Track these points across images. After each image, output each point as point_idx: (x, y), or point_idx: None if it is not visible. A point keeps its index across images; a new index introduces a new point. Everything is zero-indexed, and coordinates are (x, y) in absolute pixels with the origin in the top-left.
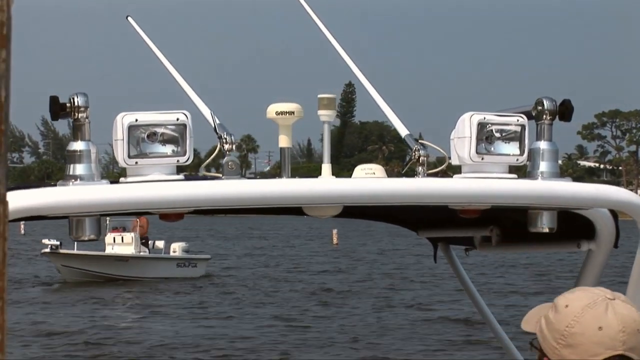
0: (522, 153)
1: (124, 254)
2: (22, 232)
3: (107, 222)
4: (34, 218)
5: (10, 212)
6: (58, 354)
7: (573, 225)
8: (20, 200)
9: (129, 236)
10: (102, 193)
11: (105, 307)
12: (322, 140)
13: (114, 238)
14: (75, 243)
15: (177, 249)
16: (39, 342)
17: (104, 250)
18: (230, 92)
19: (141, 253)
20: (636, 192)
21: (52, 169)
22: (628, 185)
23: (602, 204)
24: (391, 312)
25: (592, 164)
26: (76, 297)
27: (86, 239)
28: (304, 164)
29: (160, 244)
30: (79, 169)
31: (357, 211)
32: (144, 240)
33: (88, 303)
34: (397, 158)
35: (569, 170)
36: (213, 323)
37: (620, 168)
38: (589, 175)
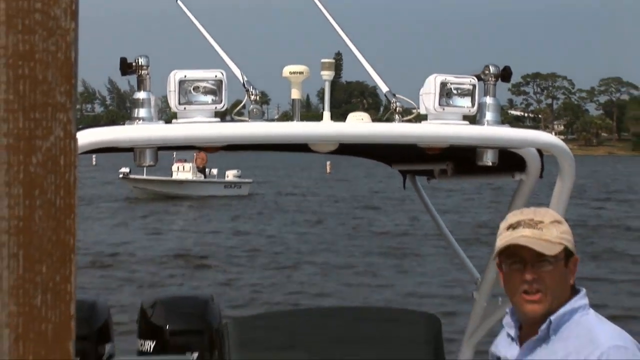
0: (473, 106)
1: (182, 178)
2: (94, 163)
3: (174, 155)
4: (108, 150)
5: (91, 144)
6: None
7: (509, 160)
8: (98, 135)
9: (188, 166)
10: (159, 131)
11: (169, 213)
12: (319, 95)
13: (178, 167)
14: (145, 169)
15: (229, 174)
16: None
17: (171, 176)
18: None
19: (196, 178)
20: (552, 134)
21: (116, 117)
22: (545, 129)
23: (532, 144)
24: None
25: (518, 113)
26: (146, 207)
27: (146, 164)
28: (304, 113)
29: (214, 171)
30: (141, 112)
31: (347, 148)
32: (201, 169)
33: (154, 213)
34: (373, 109)
35: (502, 118)
36: (247, 228)
37: (539, 116)
38: (516, 122)
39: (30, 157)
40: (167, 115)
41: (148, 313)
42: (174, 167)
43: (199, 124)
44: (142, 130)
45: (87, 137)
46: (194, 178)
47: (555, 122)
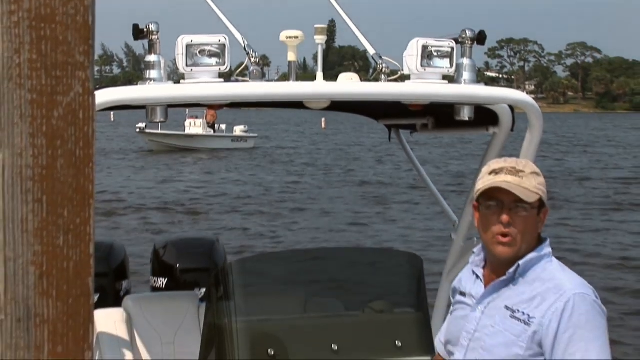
0: (451, 66)
1: (193, 133)
2: (112, 119)
3: (187, 111)
4: (123, 107)
5: (108, 102)
6: (145, 198)
7: (484, 115)
8: (114, 94)
9: (199, 122)
10: (168, 90)
11: (180, 164)
12: (314, 58)
13: (190, 123)
14: (160, 124)
15: (237, 130)
16: (135, 192)
17: (183, 131)
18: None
19: (206, 133)
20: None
21: (132, 77)
22: (518, 88)
23: (504, 101)
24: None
25: (494, 75)
26: (159, 159)
27: (157, 120)
28: (301, 74)
29: (223, 127)
30: (152, 74)
31: (338, 105)
32: (211, 125)
33: (168, 164)
34: (364, 71)
35: (478, 78)
36: (251, 177)
37: (512, 77)
38: (491, 82)
39: (52, 112)
40: (176, 76)
41: (160, 253)
42: (187, 123)
43: (204, 84)
44: (153, 90)
45: (104, 95)
46: (204, 133)
47: (526, 83)
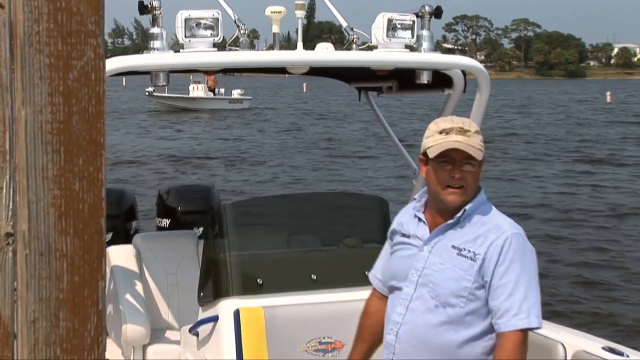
0: (413, 37)
1: (195, 95)
2: (124, 84)
3: (191, 77)
4: (131, 73)
5: (117, 68)
6: (152, 151)
7: (440, 79)
8: (123, 61)
9: (201, 86)
10: (169, 58)
11: (183, 122)
12: (296, 31)
13: (193, 87)
14: (166, 88)
15: (235, 93)
16: (143, 146)
17: (187, 94)
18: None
19: (207, 95)
20: None
21: (140, 48)
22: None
23: (457, 66)
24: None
25: (450, 46)
26: (165, 118)
27: (160, 84)
28: (285, 45)
29: (222, 90)
30: (155, 44)
31: (316, 71)
32: (212, 89)
33: (173, 120)
34: (340, 43)
35: (436, 48)
36: (245, 134)
37: (466, 49)
38: (448, 52)
39: (68, 74)
40: (177, 47)
41: (164, 198)
42: (190, 87)
43: (200, 53)
44: (156, 58)
45: (114, 63)
46: (205, 95)
47: (477, 53)
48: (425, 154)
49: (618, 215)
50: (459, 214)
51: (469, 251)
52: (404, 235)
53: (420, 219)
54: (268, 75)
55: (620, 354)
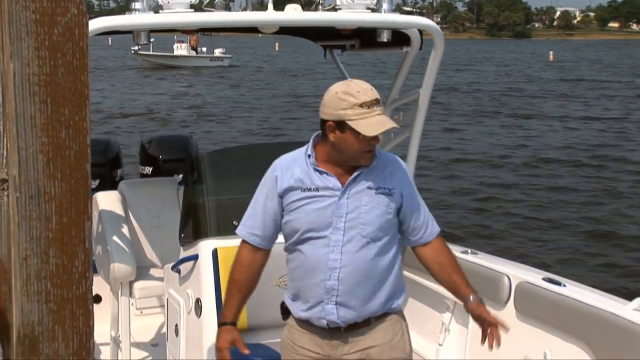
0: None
1: (179, 54)
2: (110, 42)
3: (175, 37)
4: (114, 32)
5: (101, 28)
6: (137, 105)
7: (399, 38)
8: (106, 21)
9: (184, 45)
10: (149, 18)
11: (166, 79)
12: None
13: (177, 46)
14: (151, 46)
15: (217, 52)
16: (129, 100)
17: (172, 52)
18: None
19: (189, 54)
20: None
21: (125, 10)
22: None
23: (414, 26)
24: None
25: (409, 9)
26: (150, 74)
27: (142, 43)
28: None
29: (204, 49)
30: (136, 5)
31: (285, 30)
32: (194, 47)
33: (157, 77)
34: (308, 5)
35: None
36: (224, 88)
37: (424, 11)
38: (406, 14)
39: (53, 29)
40: (157, 8)
41: (146, 147)
42: (174, 46)
43: (178, 13)
44: (136, 18)
45: (98, 23)
46: (188, 54)
47: (434, 15)
48: (343, 123)
49: (547, 160)
50: (372, 163)
51: (385, 188)
52: (309, 189)
53: (323, 172)
54: (245, 36)
55: (558, 283)
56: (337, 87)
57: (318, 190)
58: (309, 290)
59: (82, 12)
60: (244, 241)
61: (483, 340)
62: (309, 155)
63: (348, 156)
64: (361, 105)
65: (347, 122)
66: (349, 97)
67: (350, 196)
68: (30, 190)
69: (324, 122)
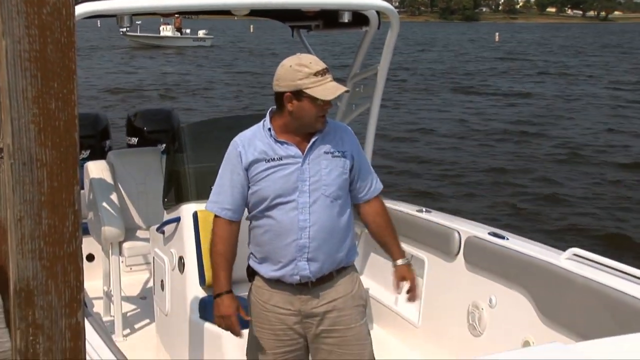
0: None
1: (164, 35)
2: (99, 25)
3: (161, 19)
4: (100, 16)
5: (86, 12)
6: (125, 82)
7: (359, 18)
8: (91, 6)
9: (169, 27)
10: (130, 3)
11: (152, 58)
12: None
13: (162, 27)
14: (139, 27)
15: (200, 33)
16: (119, 77)
17: (158, 33)
18: None
19: (174, 35)
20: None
21: None
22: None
23: (373, 8)
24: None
25: None
26: (138, 53)
27: (125, 25)
28: None
29: (188, 30)
30: None
31: (256, 12)
32: (178, 29)
33: (143, 56)
34: None
35: None
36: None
37: None
38: None
39: (42, 9)
40: None
41: (132, 120)
42: (161, 28)
43: None
44: (120, 2)
45: (85, 7)
46: (173, 35)
47: (392, 0)
48: (300, 92)
49: (477, 137)
50: (320, 130)
51: (339, 151)
52: (272, 159)
53: (284, 142)
54: (223, 18)
55: (502, 237)
56: (290, 61)
57: (281, 159)
58: (280, 251)
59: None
60: (217, 216)
61: (409, 298)
62: (269, 129)
63: (305, 123)
64: (315, 74)
65: (304, 90)
66: (304, 68)
67: (310, 161)
68: (23, 158)
69: (280, 94)
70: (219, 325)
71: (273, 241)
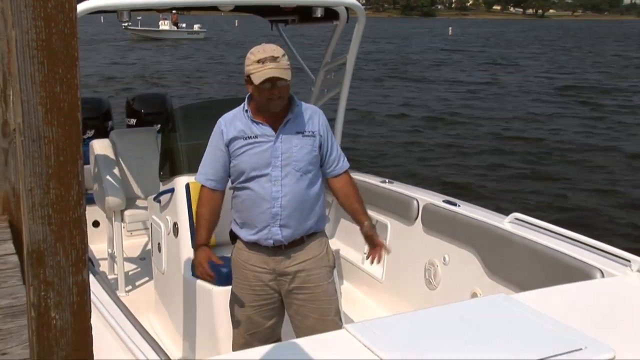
0: None
1: (162, 29)
2: (102, 20)
3: (160, 15)
4: (102, 12)
5: (88, 8)
6: (125, 70)
7: (330, 13)
8: (92, 3)
9: (167, 22)
10: (130, 0)
11: (150, 49)
12: None
13: (161, 22)
14: (139, 22)
15: (195, 27)
16: (118, 66)
17: (157, 27)
18: None
19: (170, 28)
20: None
21: None
22: None
23: (342, 4)
24: None
25: None
26: (138, 45)
27: (124, 20)
28: None
29: (183, 25)
30: None
31: (239, 8)
32: (175, 23)
33: (144, 48)
34: None
35: None
36: (199, 55)
37: None
38: None
39: (47, 3)
40: None
41: (131, 103)
42: (159, 22)
43: None
44: (118, 0)
45: (88, 3)
46: (170, 28)
47: None
48: (249, 78)
49: (431, 118)
50: (292, 112)
51: (308, 131)
52: (249, 137)
53: (259, 123)
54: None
55: (454, 204)
56: (250, 50)
57: (257, 138)
58: (256, 217)
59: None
60: (202, 185)
61: (372, 259)
62: (246, 110)
63: (260, 104)
64: (257, 62)
65: (250, 75)
66: (251, 56)
67: (283, 140)
68: (32, 135)
69: (245, 79)
70: (198, 273)
71: (250, 209)
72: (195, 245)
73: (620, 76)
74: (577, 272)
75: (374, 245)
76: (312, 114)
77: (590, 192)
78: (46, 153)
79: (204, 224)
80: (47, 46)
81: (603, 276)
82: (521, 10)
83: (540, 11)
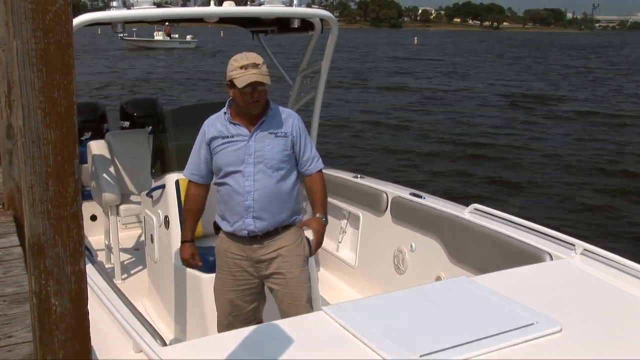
0: (290, 2)
1: (156, 39)
2: (100, 32)
3: (155, 27)
4: (99, 24)
5: (85, 21)
6: (121, 76)
7: (306, 24)
8: (89, 16)
9: (160, 33)
10: (122, 13)
11: (147, 58)
12: None
13: (155, 33)
14: (135, 32)
15: (188, 37)
16: (115, 72)
17: (152, 37)
18: None
19: (164, 39)
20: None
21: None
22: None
23: (317, 16)
24: None
25: (315, 6)
26: (133, 54)
27: (119, 32)
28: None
29: (176, 35)
30: (113, 3)
31: (223, 20)
32: (168, 34)
33: (138, 57)
34: (244, 3)
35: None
36: (189, 64)
37: (326, 8)
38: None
39: (45, 16)
40: (129, 5)
41: (125, 107)
42: (154, 33)
43: (144, 9)
44: (112, 13)
45: (85, 16)
46: (163, 39)
47: (334, 11)
48: (232, 82)
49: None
50: (266, 114)
51: (282, 132)
52: (226, 137)
53: (236, 124)
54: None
55: (420, 196)
56: (232, 57)
57: (233, 137)
58: (232, 209)
59: (67, 3)
60: (189, 180)
61: (314, 250)
62: (225, 113)
63: (242, 106)
64: (240, 67)
65: (233, 80)
66: (234, 62)
67: (256, 139)
68: (32, 137)
69: (227, 84)
70: (185, 265)
71: (227, 202)
72: (181, 241)
73: (554, 83)
74: (529, 256)
75: (308, 228)
76: (287, 117)
77: (540, 184)
78: (45, 153)
79: (188, 220)
80: (46, 55)
81: (552, 259)
82: (479, 22)
83: (495, 24)
